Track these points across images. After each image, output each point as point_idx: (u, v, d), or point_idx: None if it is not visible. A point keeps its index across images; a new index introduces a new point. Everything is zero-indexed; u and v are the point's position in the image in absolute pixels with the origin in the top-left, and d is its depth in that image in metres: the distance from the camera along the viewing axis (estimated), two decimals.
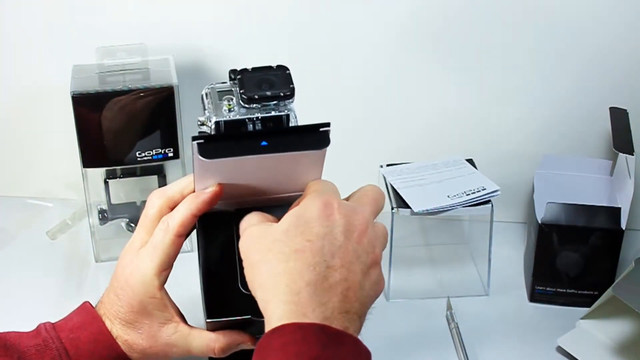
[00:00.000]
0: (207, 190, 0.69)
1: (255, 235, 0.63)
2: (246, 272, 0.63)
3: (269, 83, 0.70)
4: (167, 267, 0.71)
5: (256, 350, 0.58)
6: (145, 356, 0.72)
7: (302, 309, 0.59)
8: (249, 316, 0.69)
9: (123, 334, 0.72)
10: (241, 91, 0.69)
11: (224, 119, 0.69)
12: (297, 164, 0.66)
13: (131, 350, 0.72)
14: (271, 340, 0.58)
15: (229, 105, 0.70)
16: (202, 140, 0.63)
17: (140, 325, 0.72)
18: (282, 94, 0.69)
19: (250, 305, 0.68)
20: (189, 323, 0.74)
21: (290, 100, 0.70)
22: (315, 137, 0.64)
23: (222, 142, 0.64)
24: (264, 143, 0.63)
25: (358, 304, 0.61)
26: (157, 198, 0.73)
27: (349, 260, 0.61)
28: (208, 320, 0.70)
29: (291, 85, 0.70)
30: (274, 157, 0.64)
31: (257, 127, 0.70)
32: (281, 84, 0.70)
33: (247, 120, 0.69)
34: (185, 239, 0.73)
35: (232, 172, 0.67)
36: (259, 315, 0.66)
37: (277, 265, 0.60)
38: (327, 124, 0.64)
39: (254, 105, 0.69)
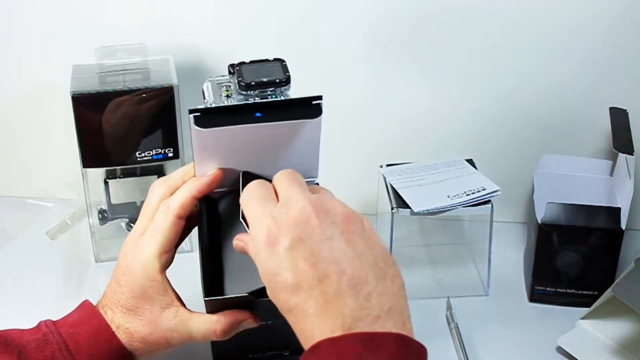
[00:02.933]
0: (207, 173, 0.71)
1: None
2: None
3: (266, 72, 0.71)
4: (167, 250, 0.72)
5: None
6: (146, 344, 0.73)
7: (324, 335, 0.57)
8: (247, 294, 0.70)
9: (124, 322, 0.72)
10: (239, 79, 0.71)
11: (222, 104, 0.71)
12: (292, 137, 0.68)
13: (132, 339, 0.72)
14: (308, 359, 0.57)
15: (227, 91, 0.71)
16: (198, 113, 0.66)
17: (141, 311, 0.72)
18: (278, 80, 0.70)
19: (247, 283, 0.68)
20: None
21: (287, 87, 0.71)
22: (308, 108, 0.67)
23: (217, 112, 0.67)
24: (258, 114, 0.66)
25: (371, 274, 0.59)
26: (158, 186, 0.74)
27: (329, 250, 0.59)
28: (206, 299, 0.71)
29: (287, 73, 0.71)
30: (269, 128, 0.67)
31: None
32: (277, 73, 0.71)
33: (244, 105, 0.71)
34: (189, 227, 0.73)
35: (230, 148, 0.68)
36: (257, 294, 0.67)
37: (284, 310, 0.60)
38: (320, 97, 0.67)
39: (251, 91, 0.71)
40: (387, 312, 0.58)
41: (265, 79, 0.70)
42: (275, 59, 0.72)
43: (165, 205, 0.72)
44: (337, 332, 0.57)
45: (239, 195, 0.69)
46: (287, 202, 0.62)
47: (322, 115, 0.69)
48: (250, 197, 0.64)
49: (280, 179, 0.65)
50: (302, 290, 0.58)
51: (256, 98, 0.70)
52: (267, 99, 0.70)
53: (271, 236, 0.60)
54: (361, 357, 0.55)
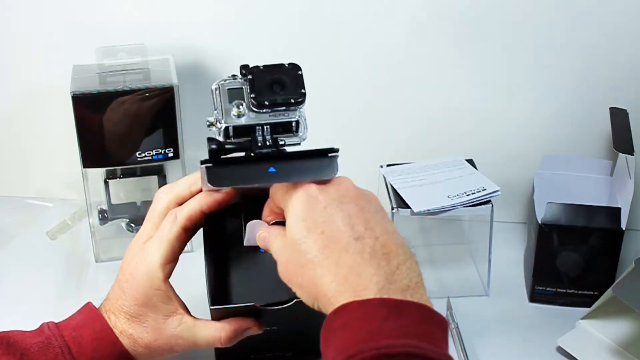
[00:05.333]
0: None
1: (285, 260, 0.63)
2: (298, 294, 0.63)
3: (280, 84, 0.68)
4: (172, 260, 0.72)
5: (322, 334, 0.58)
6: (150, 350, 0.73)
7: (356, 291, 0.58)
8: (252, 303, 0.70)
9: (128, 328, 0.72)
10: (252, 95, 0.68)
11: (233, 124, 0.69)
12: None
13: (135, 345, 0.72)
14: (333, 322, 0.58)
15: (239, 111, 0.69)
16: (210, 164, 0.64)
17: (145, 319, 0.72)
18: (292, 100, 0.68)
19: (254, 293, 0.68)
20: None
21: (301, 105, 0.69)
22: (323, 163, 0.64)
23: (229, 168, 0.64)
24: (271, 170, 0.64)
25: (401, 250, 0.61)
26: (164, 194, 0.74)
27: (365, 219, 0.62)
28: (212, 308, 0.71)
29: (302, 90, 0.69)
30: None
31: (266, 134, 0.69)
32: (292, 87, 0.68)
33: (256, 126, 0.69)
34: (191, 236, 0.73)
35: (239, 192, 0.69)
36: (263, 302, 0.66)
37: (315, 272, 0.60)
38: (336, 150, 0.65)
39: (264, 110, 0.69)
40: (415, 285, 0.60)
41: (279, 99, 0.68)
42: (290, 65, 0.69)
43: (173, 215, 0.72)
44: (371, 292, 0.58)
45: (245, 203, 0.68)
46: (326, 183, 0.64)
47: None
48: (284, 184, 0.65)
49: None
50: (339, 245, 0.60)
51: (268, 119, 0.69)
52: (280, 119, 0.68)
53: (311, 196, 0.62)
54: (386, 319, 0.56)
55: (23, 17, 1.00)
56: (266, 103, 0.68)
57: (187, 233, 0.72)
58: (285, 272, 0.63)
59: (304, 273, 0.61)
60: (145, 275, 0.71)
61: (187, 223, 0.71)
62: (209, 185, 0.64)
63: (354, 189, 0.64)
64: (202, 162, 0.64)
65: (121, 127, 0.92)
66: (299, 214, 0.62)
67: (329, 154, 0.64)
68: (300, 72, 0.69)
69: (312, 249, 0.60)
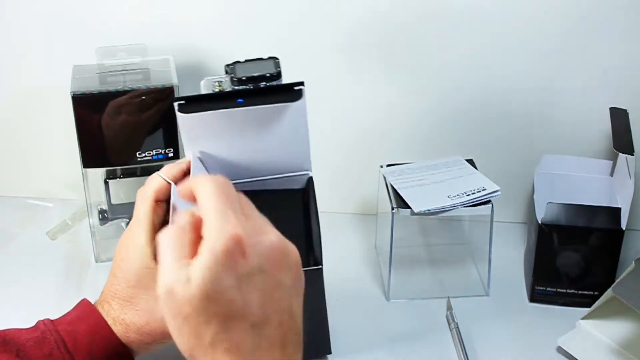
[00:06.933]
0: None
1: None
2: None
3: (258, 69, 0.75)
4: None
5: None
6: (142, 336, 0.73)
7: None
8: None
9: (120, 314, 0.73)
10: (231, 75, 0.74)
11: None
12: (277, 123, 0.70)
13: (128, 330, 0.73)
14: None
15: (220, 87, 0.75)
16: (182, 101, 0.69)
17: (137, 301, 0.73)
18: (268, 75, 0.74)
19: None
20: None
21: (277, 81, 0.74)
22: (289, 92, 0.70)
23: (199, 101, 0.70)
24: (240, 100, 0.69)
25: (296, 338, 0.57)
26: (140, 190, 0.76)
27: (276, 299, 0.56)
28: None
29: (278, 69, 0.74)
30: (251, 113, 0.69)
31: None
32: (270, 68, 0.75)
33: None
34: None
35: (215, 135, 0.71)
36: None
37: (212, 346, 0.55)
38: (302, 83, 0.70)
39: (243, 86, 0.74)
40: None
41: (256, 74, 0.73)
42: (269, 57, 0.75)
43: (142, 192, 0.75)
44: None
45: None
46: (261, 227, 0.57)
47: (308, 102, 0.71)
48: (219, 194, 0.56)
49: (213, 198, 0.56)
50: (242, 323, 0.54)
51: None
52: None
53: (232, 255, 0.53)
54: None
55: (23, 17, 1.00)
56: (244, 78, 0.74)
57: (161, 204, 0.74)
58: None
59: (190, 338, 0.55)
60: (134, 256, 0.73)
61: (157, 194, 0.74)
62: (179, 114, 0.68)
63: (278, 251, 0.56)
64: (175, 99, 0.69)
65: (121, 127, 0.92)
66: (207, 271, 0.52)
67: (295, 87, 0.70)
68: (277, 60, 0.76)
69: (212, 321, 0.54)
